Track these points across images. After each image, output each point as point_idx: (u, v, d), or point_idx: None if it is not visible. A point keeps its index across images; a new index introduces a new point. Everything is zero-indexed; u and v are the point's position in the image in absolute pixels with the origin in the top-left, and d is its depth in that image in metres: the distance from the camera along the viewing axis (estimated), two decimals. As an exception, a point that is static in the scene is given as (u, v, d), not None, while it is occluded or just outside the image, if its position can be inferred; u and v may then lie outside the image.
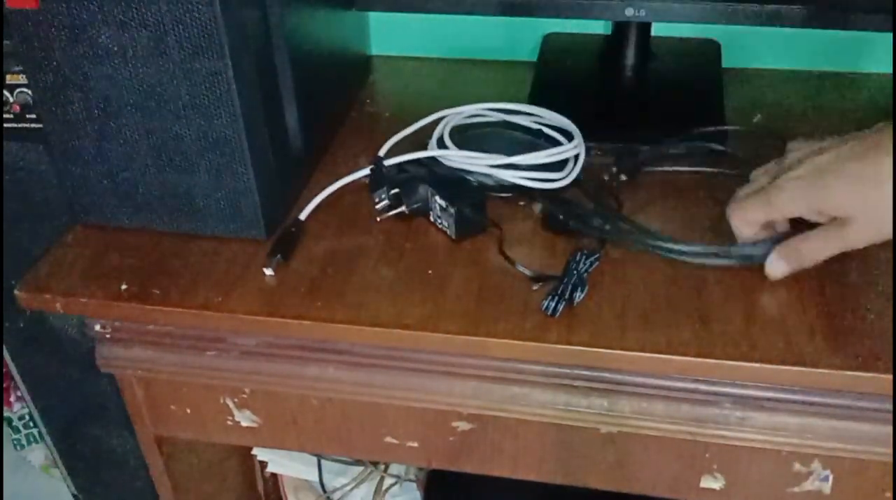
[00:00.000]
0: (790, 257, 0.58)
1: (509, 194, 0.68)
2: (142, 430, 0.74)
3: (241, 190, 0.62)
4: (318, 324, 0.59)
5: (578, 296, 0.58)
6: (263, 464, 1.07)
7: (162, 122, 0.60)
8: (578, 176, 0.68)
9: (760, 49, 0.86)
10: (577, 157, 0.69)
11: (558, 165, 0.68)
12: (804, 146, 0.59)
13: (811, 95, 0.83)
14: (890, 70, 0.85)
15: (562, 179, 0.67)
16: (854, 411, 0.58)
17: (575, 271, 0.59)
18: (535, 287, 0.59)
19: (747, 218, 0.59)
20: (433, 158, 0.69)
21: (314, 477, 1.09)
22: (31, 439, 1.36)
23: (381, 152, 0.73)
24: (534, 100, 0.77)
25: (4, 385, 1.28)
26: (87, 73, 0.59)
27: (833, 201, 0.54)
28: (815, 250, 0.57)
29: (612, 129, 0.75)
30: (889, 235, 0.54)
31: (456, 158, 0.69)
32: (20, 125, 0.81)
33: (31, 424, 1.33)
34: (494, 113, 0.76)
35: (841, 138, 0.56)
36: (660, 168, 0.72)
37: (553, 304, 0.57)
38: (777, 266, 0.58)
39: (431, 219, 0.67)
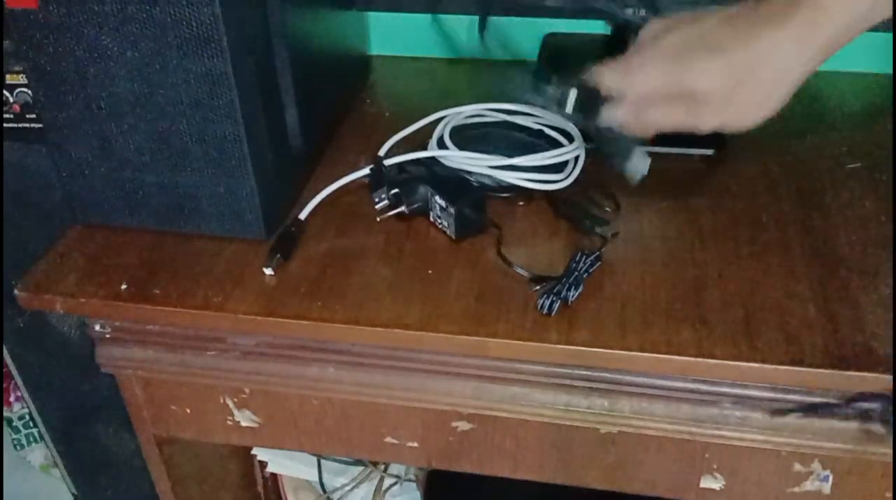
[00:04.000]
0: (629, 114, 0.55)
1: (509, 194, 0.68)
2: (142, 430, 0.74)
3: (241, 190, 0.62)
4: (318, 324, 0.59)
5: (573, 295, 0.58)
6: (263, 464, 1.07)
7: (162, 122, 0.60)
8: (578, 177, 0.68)
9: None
10: (577, 158, 0.69)
11: (558, 167, 0.68)
12: (662, 23, 0.55)
13: (811, 94, 0.83)
14: (888, 70, 0.85)
15: (562, 181, 0.67)
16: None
17: (575, 272, 0.59)
18: (535, 288, 0.59)
19: (603, 83, 0.56)
20: (433, 158, 0.69)
21: (314, 477, 1.09)
22: (31, 439, 1.36)
23: (381, 152, 0.73)
24: (534, 100, 0.77)
25: (4, 385, 1.28)
26: (87, 73, 0.59)
27: (697, 81, 0.52)
28: (658, 116, 0.54)
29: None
30: (736, 123, 0.52)
31: (456, 158, 0.68)
32: (20, 125, 0.81)
33: (31, 424, 1.33)
34: (494, 113, 0.76)
35: (700, 14, 0.53)
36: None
37: (548, 302, 0.57)
38: (613, 116, 0.55)
39: (431, 219, 0.67)
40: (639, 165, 0.54)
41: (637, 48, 0.55)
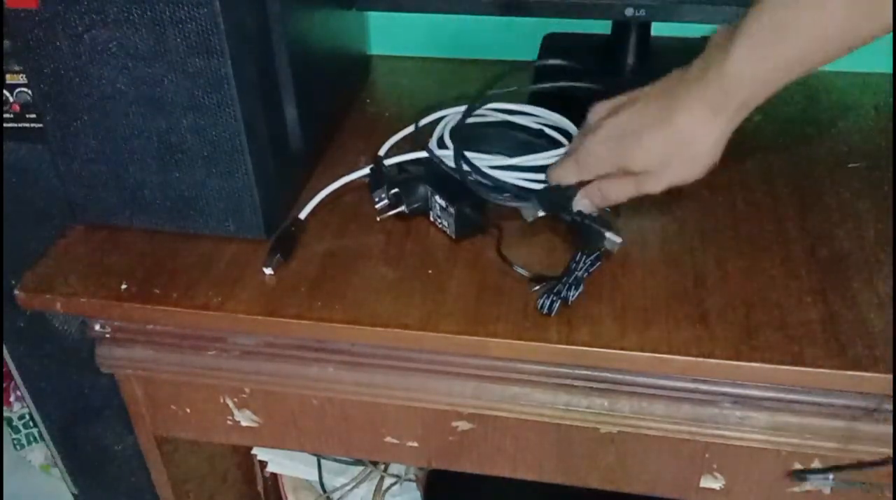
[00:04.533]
0: (594, 196, 0.63)
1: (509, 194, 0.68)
2: (142, 430, 0.74)
3: (241, 190, 0.62)
4: (318, 324, 0.59)
5: (573, 295, 0.58)
6: (263, 464, 1.07)
7: (162, 121, 0.60)
8: None
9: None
10: None
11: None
12: (605, 106, 0.63)
13: (811, 95, 0.83)
14: (888, 70, 0.85)
15: None
16: (854, 411, 0.58)
17: (575, 272, 0.59)
18: (535, 288, 0.59)
19: (563, 181, 0.64)
20: (431, 159, 0.69)
21: (314, 477, 1.09)
22: (31, 439, 1.36)
23: (381, 152, 0.73)
24: (534, 100, 0.77)
25: (4, 385, 1.28)
26: (87, 73, 0.59)
27: (633, 162, 0.59)
28: (615, 191, 0.62)
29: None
30: (681, 181, 0.60)
31: (452, 152, 0.68)
32: (20, 125, 0.81)
33: (31, 424, 1.33)
34: (495, 113, 0.76)
35: (636, 94, 0.61)
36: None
37: (548, 302, 0.57)
38: (582, 203, 0.63)
39: (431, 219, 0.67)
40: (613, 239, 0.62)
41: (583, 133, 0.63)
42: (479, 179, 0.66)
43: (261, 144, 0.62)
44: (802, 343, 0.55)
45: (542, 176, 0.67)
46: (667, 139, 0.57)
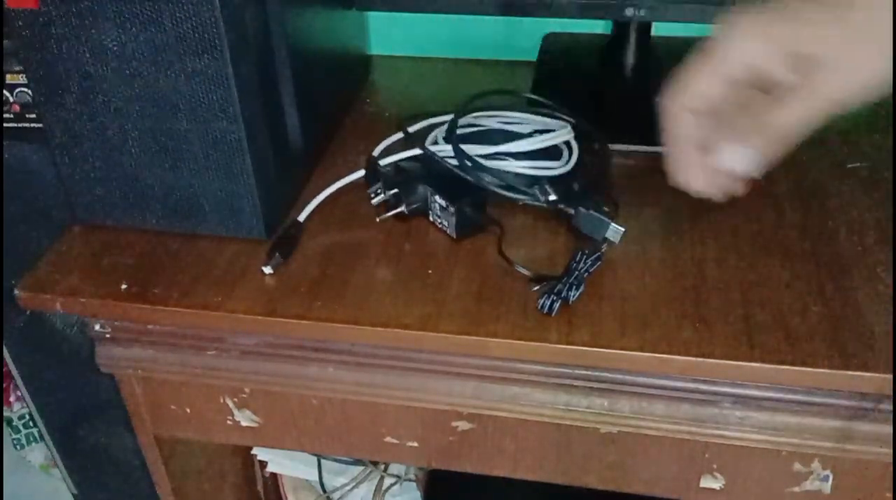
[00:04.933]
0: (754, 132, 0.46)
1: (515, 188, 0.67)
2: (142, 430, 0.74)
3: (241, 190, 0.62)
4: (318, 324, 0.59)
5: (574, 295, 0.58)
6: (263, 464, 1.07)
7: (162, 122, 0.60)
8: (578, 162, 0.68)
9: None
10: (569, 144, 0.69)
11: (554, 155, 0.68)
12: None
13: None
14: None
15: (560, 167, 0.67)
16: (854, 411, 0.58)
17: (576, 271, 0.59)
18: (534, 288, 0.59)
19: (691, 88, 0.47)
20: (430, 156, 0.69)
21: (314, 477, 1.09)
22: (31, 439, 1.37)
23: (379, 150, 0.73)
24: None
25: (4, 385, 1.28)
26: (88, 73, 0.59)
27: (808, 38, 0.43)
28: (784, 114, 0.45)
29: (611, 129, 0.75)
30: (868, 80, 0.44)
31: (448, 150, 0.68)
32: (20, 125, 0.81)
33: (31, 424, 1.33)
34: (494, 114, 0.76)
35: None
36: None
37: (549, 302, 0.57)
38: (741, 152, 0.46)
39: (431, 219, 0.67)
40: (617, 232, 0.62)
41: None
42: (484, 175, 0.66)
43: (261, 144, 0.62)
44: (802, 343, 0.55)
45: (542, 163, 0.67)
46: (850, 19, 0.43)
